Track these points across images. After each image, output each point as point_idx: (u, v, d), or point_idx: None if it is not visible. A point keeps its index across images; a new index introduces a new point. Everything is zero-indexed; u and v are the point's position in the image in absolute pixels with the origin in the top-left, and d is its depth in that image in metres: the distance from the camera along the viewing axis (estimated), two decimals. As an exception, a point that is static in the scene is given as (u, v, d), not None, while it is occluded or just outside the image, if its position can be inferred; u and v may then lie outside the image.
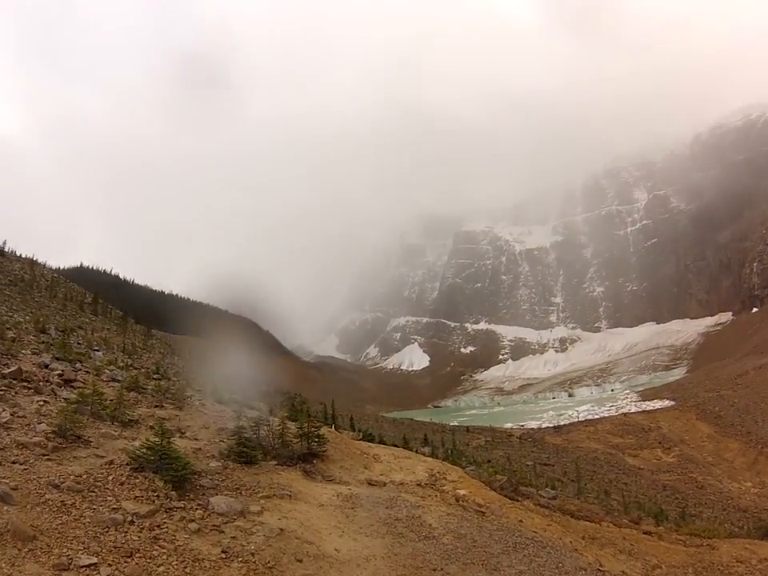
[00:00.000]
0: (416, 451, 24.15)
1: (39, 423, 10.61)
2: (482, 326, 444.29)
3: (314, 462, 13.39)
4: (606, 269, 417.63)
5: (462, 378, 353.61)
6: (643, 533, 16.07)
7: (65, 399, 13.30)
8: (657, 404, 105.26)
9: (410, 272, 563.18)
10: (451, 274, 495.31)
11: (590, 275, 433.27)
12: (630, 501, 32.94)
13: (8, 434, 9.53)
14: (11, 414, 10.75)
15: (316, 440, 14.09)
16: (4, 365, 15.20)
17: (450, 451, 38.67)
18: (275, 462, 12.27)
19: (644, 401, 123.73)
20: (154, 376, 24.33)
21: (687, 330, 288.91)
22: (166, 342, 61.55)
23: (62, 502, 7.32)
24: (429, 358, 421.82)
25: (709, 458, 58.35)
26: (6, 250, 48.36)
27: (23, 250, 55.26)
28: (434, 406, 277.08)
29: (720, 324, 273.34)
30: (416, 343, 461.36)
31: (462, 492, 13.01)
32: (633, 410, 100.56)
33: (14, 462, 8.33)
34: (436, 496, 12.08)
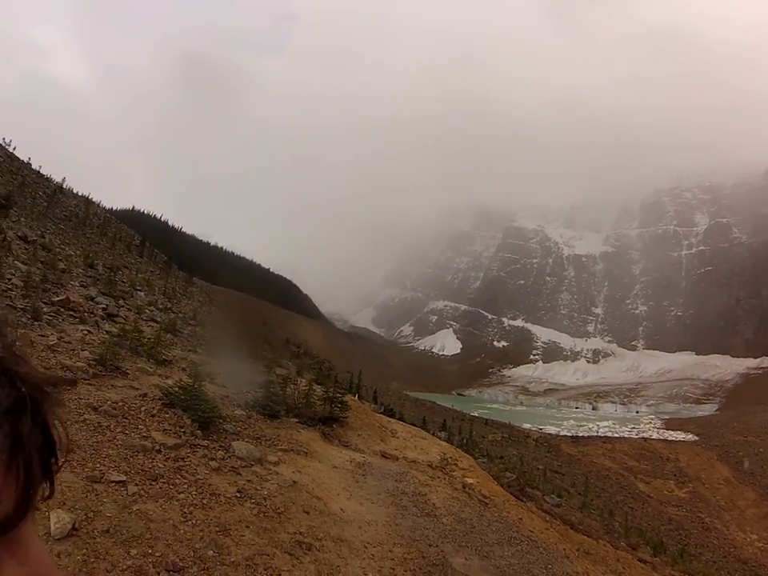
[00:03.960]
0: (433, 434, 24.51)
1: (83, 350, 11.19)
2: (519, 323, 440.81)
3: (334, 426, 13.85)
4: (652, 288, 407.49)
5: (490, 371, 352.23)
6: (638, 560, 16.18)
7: (107, 332, 13.99)
8: (679, 436, 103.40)
9: (455, 258, 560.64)
10: (496, 267, 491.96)
11: (635, 292, 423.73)
12: (632, 526, 32.61)
13: (54, 356, 10.11)
14: (58, 339, 11.41)
15: (339, 405, 14.57)
16: (54, 293, 15.91)
17: (465, 440, 38.94)
18: (297, 420, 12.73)
19: (667, 430, 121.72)
20: (191, 322, 25.03)
21: (726, 367, 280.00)
22: (206, 290, 62.61)
23: (98, 423, 7.76)
24: (461, 346, 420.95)
25: (721, 502, 57.01)
26: (65, 188, 49.85)
27: (80, 189, 56.79)
28: (458, 394, 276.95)
29: (762, 368, 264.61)
30: (451, 329, 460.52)
31: (469, 480, 13.33)
32: (654, 437, 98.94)
33: (58, 382, 8.91)
34: (444, 479, 12.43)
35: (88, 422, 7.67)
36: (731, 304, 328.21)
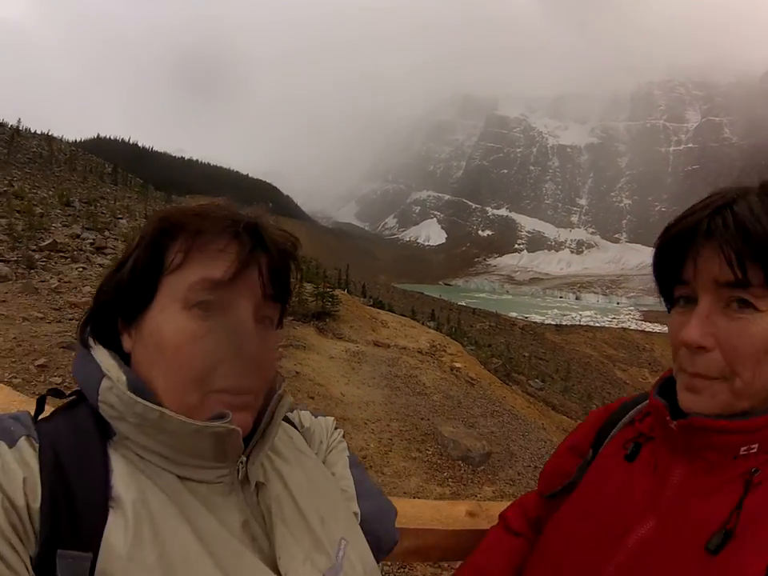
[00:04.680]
0: (422, 323, 25.52)
1: (84, 286, 12.03)
2: (503, 212, 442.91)
3: (327, 320, 14.66)
4: (638, 182, 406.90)
5: (476, 260, 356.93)
6: (612, 438, 17.58)
7: (100, 265, 14.50)
8: (656, 327, 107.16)
9: (437, 148, 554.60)
10: (479, 156, 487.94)
11: (621, 185, 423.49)
12: (608, 409, 34.52)
13: (60, 297, 10.99)
14: (58, 281, 12.20)
15: (330, 300, 15.36)
16: (39, 239, 16.19)
17: (453, 329, 40.14)
18: (291, 318, 13.47)
19: (645, 321, 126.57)
20: None
21: None
22: None
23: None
24: (446, 235, 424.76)
25: None
26: (22, 129, 47.73)
27: (39, 127, 54.24)
28: (445, 284, 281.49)
29: None
30: (435, 219, 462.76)
31: (457, 365, 14.32)
32: (632, 327, 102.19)
33: (71, 319, 9.65)
34: (434, 363, 13.43)
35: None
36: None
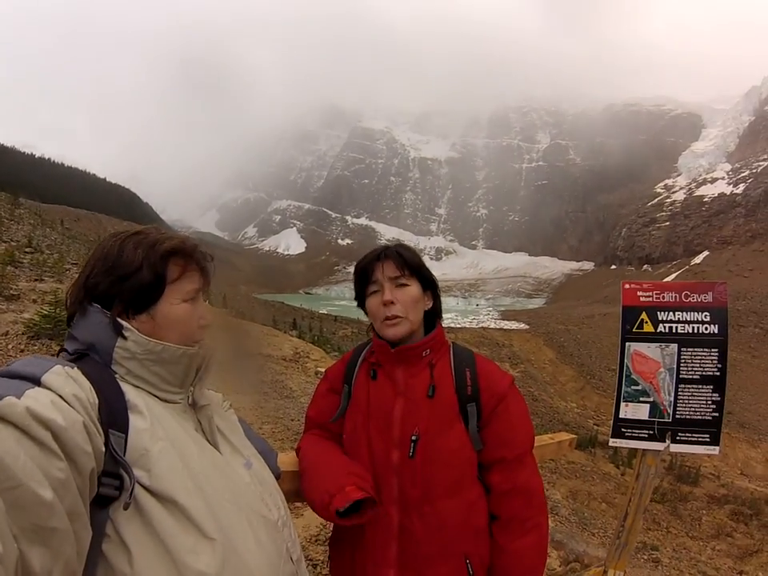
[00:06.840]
0: (284, 332, 25.83)
1: None
2: (363, 221, 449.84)
3: (187, 332, 14.54)
4: (493, 194, 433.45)
5: (336, 268, 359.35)
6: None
7: None
8: (513, 325, 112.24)
9: (299, 157, 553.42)
10: (341, 166, 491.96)
11: (478, 196, 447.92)
12: (472, 401, 36.62)
13: None
14: None
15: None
16: None
17: (316, 337, 40.67)
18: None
19: (503, 320, 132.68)
20: (27, 249, 23.84)
21: (554, 268, 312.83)
22: (36, 211, 56.91)
23: (-28, 368, 7.84)
24: (305, 245, 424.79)
25: (547, 378, 63.43)
26: None
27: None
28: (306, 293, 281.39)
29: (582, 270, 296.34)
30: (295, 228, 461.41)
31: (321, 369, 14.84)
32: (492, 326, 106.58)
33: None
34: (298, 368, 13.89)
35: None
36: (561, 215, 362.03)
